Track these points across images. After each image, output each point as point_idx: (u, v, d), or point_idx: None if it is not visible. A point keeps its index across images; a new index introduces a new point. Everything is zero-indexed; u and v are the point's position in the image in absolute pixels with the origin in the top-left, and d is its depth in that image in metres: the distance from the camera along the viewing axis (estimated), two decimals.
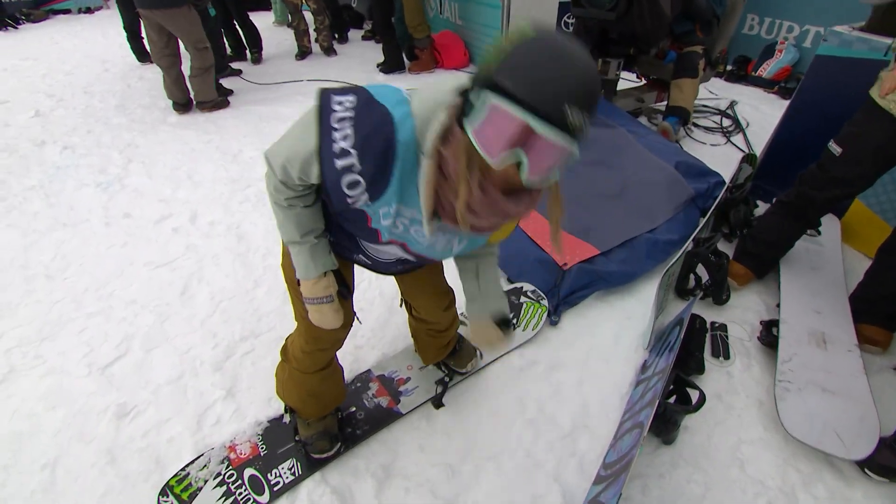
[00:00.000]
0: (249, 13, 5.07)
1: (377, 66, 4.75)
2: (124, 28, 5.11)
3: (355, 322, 1.27)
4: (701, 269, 2.07)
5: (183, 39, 3.53)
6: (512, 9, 4.38)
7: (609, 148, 2.88)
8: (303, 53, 5.21)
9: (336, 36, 5.76)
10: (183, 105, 3.87)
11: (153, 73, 4.62)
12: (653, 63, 3.59)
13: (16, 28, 7.66)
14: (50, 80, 4.82)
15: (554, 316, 1.95)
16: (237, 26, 5.03)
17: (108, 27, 7.66)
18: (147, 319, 2.00)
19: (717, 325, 1.91)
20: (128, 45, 5.24)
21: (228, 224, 2.52)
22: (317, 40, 5.35)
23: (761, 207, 2.59)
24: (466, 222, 0.77)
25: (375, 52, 5.33)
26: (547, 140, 0.66)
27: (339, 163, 0.76)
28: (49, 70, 5.18)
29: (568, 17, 4.81)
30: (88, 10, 9.12)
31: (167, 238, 2.45)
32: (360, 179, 0.78)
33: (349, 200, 0.81)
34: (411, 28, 4.48)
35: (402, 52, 4.73)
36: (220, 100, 3.97)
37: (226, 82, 4.38)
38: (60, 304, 2.11)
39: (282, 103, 4.01)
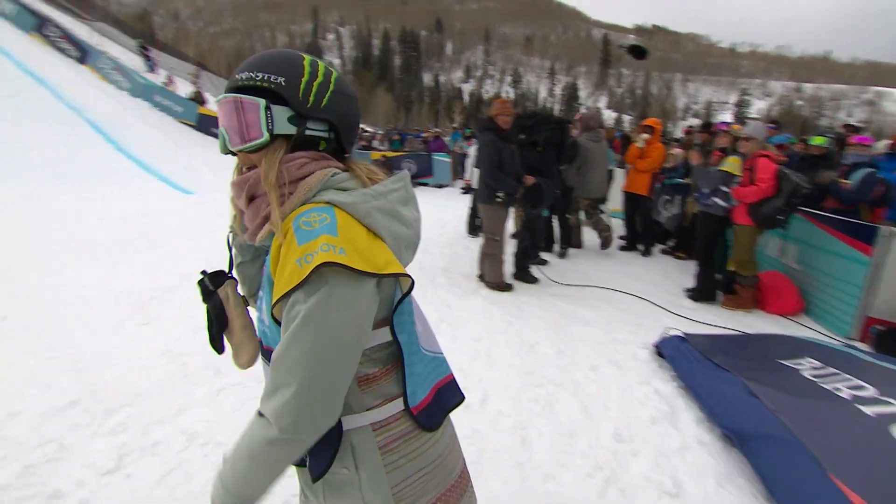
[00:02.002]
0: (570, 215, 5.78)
1: (685, 291, 4.50)
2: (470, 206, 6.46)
3: None
4: None
5: (483, 226, 4.39)
6: (889, 269, 3.60)
7: None
8: (605, 244, 5.77)
9: (642, 248, 5.92)
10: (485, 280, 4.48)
11: (476, 246, 5.53)
12: None
13: None
14: None
15: None
16: (554, 221, 5.74)
17: (450, 200, 9.94)
18: None
19: None
20: (465, 219, 6.57)
21: (516, 422, 2.46)
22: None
23: None
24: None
25: (679, 272, 5.16)
26: (220, 102, 0.84)
27: None
28: None
29: None
30: (440, 186, 12.28)
31: (457, 413, 2.50)
32: None
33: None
34: (738, 263, 4.16)
35: (716, 283, 4.40)
36: (503, 283, 4.38)
37: (535, 270, 4.86)
38: None
39: (584, 306, 4.09)
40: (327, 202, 0.78)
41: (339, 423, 0.82)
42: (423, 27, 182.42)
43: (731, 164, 4.07)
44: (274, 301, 0.74)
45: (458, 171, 12.51)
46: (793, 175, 3.81)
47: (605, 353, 3.25)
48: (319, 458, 0.83)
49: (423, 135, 14.47)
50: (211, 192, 9.39)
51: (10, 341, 3.09)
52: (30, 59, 12.44)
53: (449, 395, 0.99)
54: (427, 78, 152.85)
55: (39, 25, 14.63)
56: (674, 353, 3.05)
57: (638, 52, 5.17)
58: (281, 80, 0.81)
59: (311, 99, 0.82)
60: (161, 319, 3.51)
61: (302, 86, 0.82)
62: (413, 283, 0.85)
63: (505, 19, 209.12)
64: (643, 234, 5.94)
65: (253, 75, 0.81)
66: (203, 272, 1.01)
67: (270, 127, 0.80)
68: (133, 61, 17.38)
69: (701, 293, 4.37)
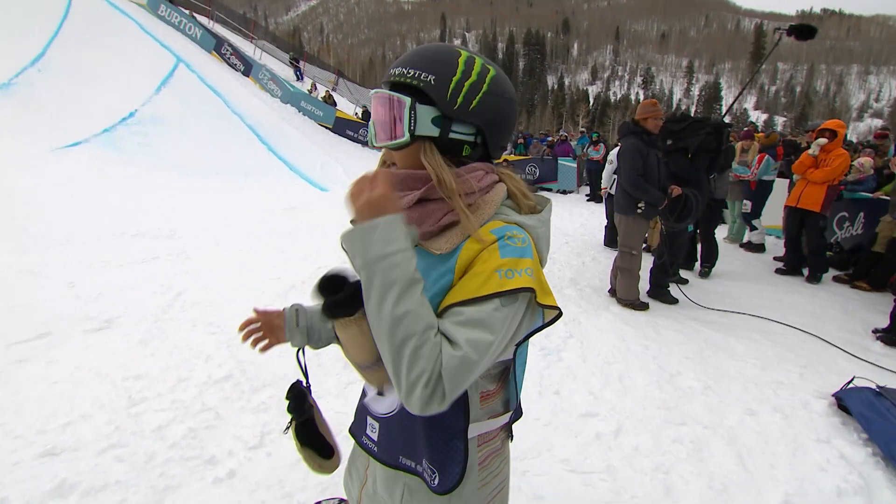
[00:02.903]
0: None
1: (874, 332, 3.66)
2: (607, 215, 6.06)
3: None
4: None
5: (619, 238, 4.02)
6: None
7: None
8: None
9: (807, 273, 5.03)
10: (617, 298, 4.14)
11: (607, 258, 5.14)
12: None
13: None
14: None
15: None
16: (696, 237, 5.12)
17: (575, 207, 9.48)
18: None
19: None
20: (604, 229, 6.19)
21: (656, 463, 2.16)
22: None
23: None
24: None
25: (860, 306, 4.25)
26: (374, 96, 0.82)
27: None
28: None
29: None
30: (564, 192, 11.79)
31: (588, 441, 2.30)
32: None
33: None
34: None
35: None
36: (638, 302, 3.99)
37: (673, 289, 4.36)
38: None
39: (734, 336, 3.53)
40: (517, 223, 0.80)
41: (466, 446, 0.84)
42: (550, 28, 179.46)
43: None
44: (457, 300, 0.73)
45: (582, 177, 11.94)
46: None
47: (764, 397, 2.76)
48: (450, 475, 0.83)
49: (549, 138, 14.03)
50: (343, 190, 10.15)
51: (184, 314, 3.56)
52: (208, 74, 14.64)
53: (518, 410, 1.02)
54: (551, 80, 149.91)
55: (218, 45, 17.14)
56: (866, 410, 2.46)
57: (802, 31, 4.29)
58: (431, 78, 0.77)
59: (460, 100, 0.78)
60: None
61: (452, 85, 0.77)
62: (560, 315, 0.84)
63: (637, 16, 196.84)
64: (812, 256, 5.01)
65: (405, 71, 0.78)
66: (297, 384, 1.10)
67: (412, 128, 0.78)
68: (285, 72, 19.64)
69: None
